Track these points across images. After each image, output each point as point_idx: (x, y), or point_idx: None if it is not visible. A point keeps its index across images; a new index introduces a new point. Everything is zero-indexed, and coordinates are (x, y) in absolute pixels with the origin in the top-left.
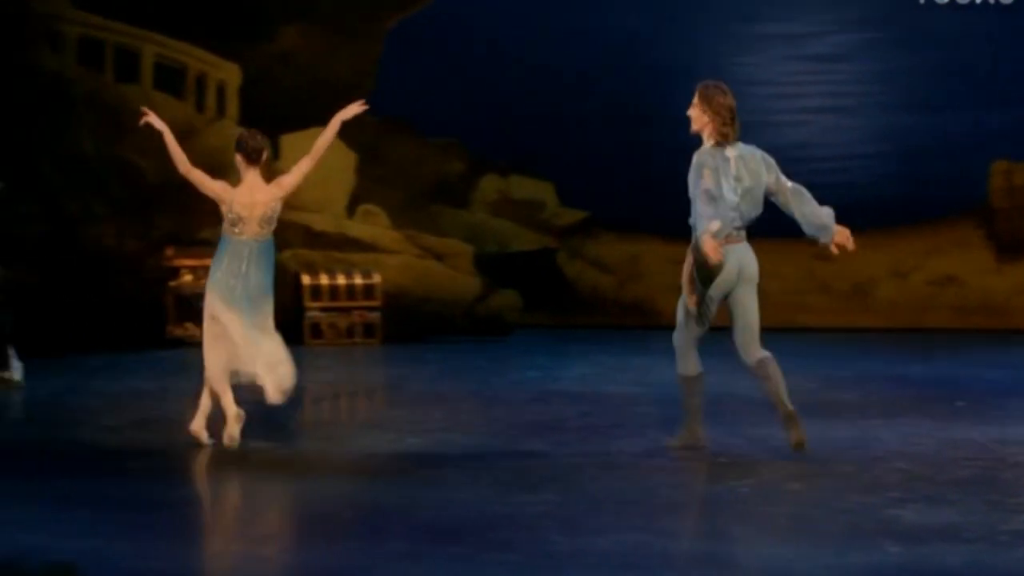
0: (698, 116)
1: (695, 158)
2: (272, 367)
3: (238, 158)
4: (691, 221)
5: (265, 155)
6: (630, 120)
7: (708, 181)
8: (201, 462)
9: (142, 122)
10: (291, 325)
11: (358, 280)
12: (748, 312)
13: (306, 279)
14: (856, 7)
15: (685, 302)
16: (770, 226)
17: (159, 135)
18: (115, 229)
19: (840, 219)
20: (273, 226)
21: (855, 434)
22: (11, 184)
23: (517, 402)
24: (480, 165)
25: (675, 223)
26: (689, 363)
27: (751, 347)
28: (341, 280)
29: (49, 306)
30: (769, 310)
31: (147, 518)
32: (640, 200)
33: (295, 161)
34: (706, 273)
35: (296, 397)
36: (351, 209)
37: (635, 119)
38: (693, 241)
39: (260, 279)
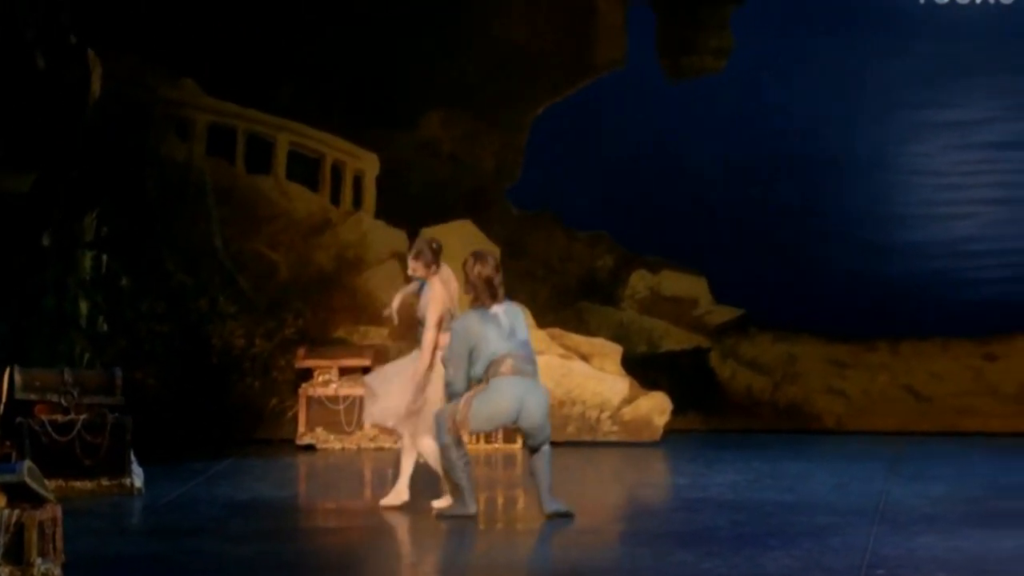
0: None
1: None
2: None
3: (422, 264)
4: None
5: None
6: (788, 213)
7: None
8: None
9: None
10: None
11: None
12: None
13: None
14: None
15: None
16: (933, 326)
17: (292, 228)
18: (244, 328)
19: (1010, 317)
20: None
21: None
22: (136, 281)
23: (664, 510)
24: (630, 260)
25: (833, 321)
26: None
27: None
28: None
29: (173, 409)
30: (934, 415)
31: None
32: (797, 297)
33: None
34: None
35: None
36: None
37: (793, 212)
38: None
39: None
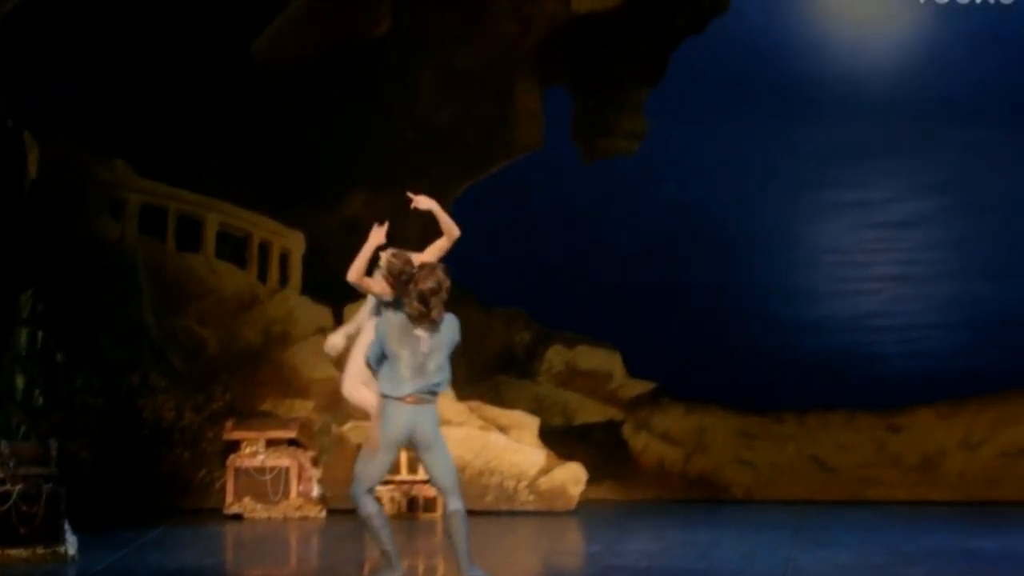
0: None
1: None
2: None
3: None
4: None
5: None
6: (699, 290)
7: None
8: None
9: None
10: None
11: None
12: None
13: None
14: (927, 174)
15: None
16: (838, 399)
17: (221, 304)
18: (174, 401)
19: (912, 390)
20: None
21: None
22: (71, 356)
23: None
24: (546, 336)
25: (742, 394)
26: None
27: (446, 497)
28: (402, 454)
29: (106, 479)
30: (839, 485)
31: None
32: (708, 371)
33: None
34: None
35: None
36: None
37: (703, 288)
38: None
39: None
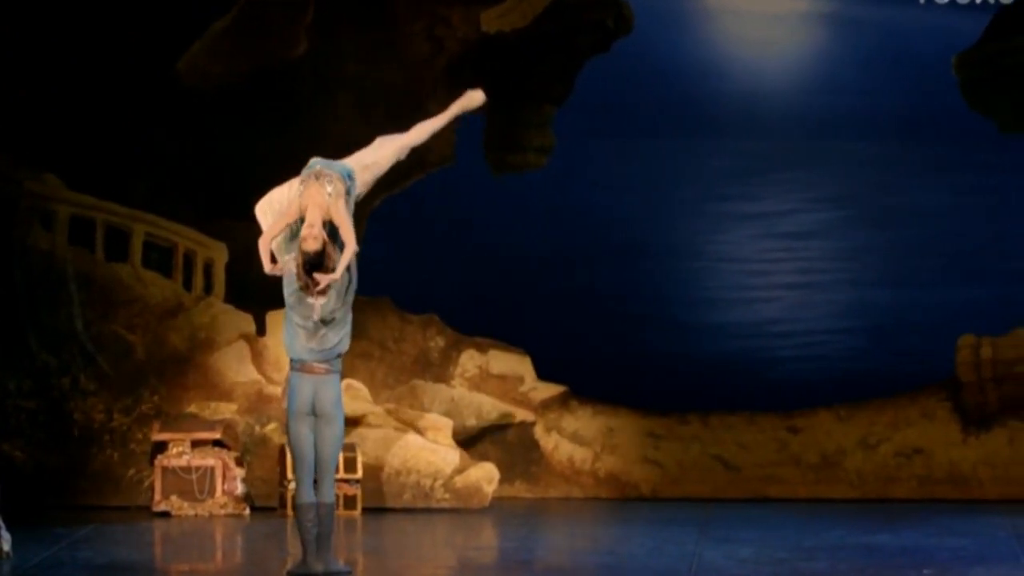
0: None
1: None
2: None
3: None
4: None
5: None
6: (607, 297)
7: None
8: None
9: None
10: (273, 497)
11: (340, 454)
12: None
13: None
14: (824, 187)
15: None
16: (741, 401)
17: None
18: (104, 404)
19: (812, 392)
20: None
21: None
22: (3, 361)
23: (492, 572)
24: (459, 341)
25: (649, 396)
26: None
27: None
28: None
29: (38, 478)
30: (742, 483)
31: None
32: (615, 374)
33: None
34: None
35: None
36: None
37: (611, 296)
38: None
39: None
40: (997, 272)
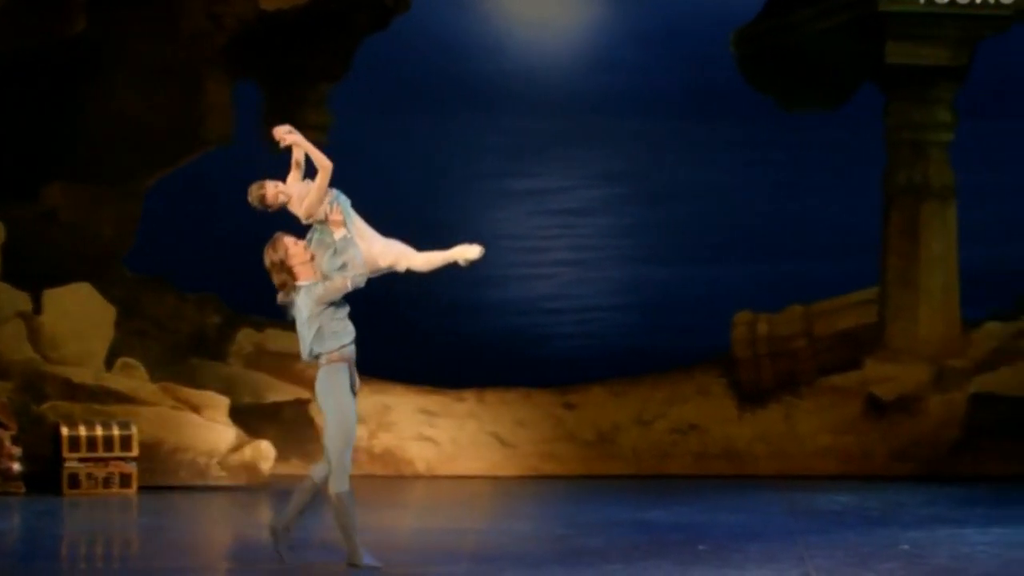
0: None
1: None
2: None
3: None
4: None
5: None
6: (380, 276)
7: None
8: None
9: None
10: (49, 476)
11: (116, 431)
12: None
13: (65, 430)
14: (599, 164)
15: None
16: (516, 376)
17: None
18: None
19: (587, 369)
20: None
21: None
22: None
23: (269, 549)
24: (236, 319)
25: (424, 373)
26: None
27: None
28: (99, 431)
29: None
30: (517, 460)
31: None
32: (391, 352)
33: (58, 316)
34: None
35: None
36: (110, 362)
37: (385, 274)
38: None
39: None
40: (773, 249)
